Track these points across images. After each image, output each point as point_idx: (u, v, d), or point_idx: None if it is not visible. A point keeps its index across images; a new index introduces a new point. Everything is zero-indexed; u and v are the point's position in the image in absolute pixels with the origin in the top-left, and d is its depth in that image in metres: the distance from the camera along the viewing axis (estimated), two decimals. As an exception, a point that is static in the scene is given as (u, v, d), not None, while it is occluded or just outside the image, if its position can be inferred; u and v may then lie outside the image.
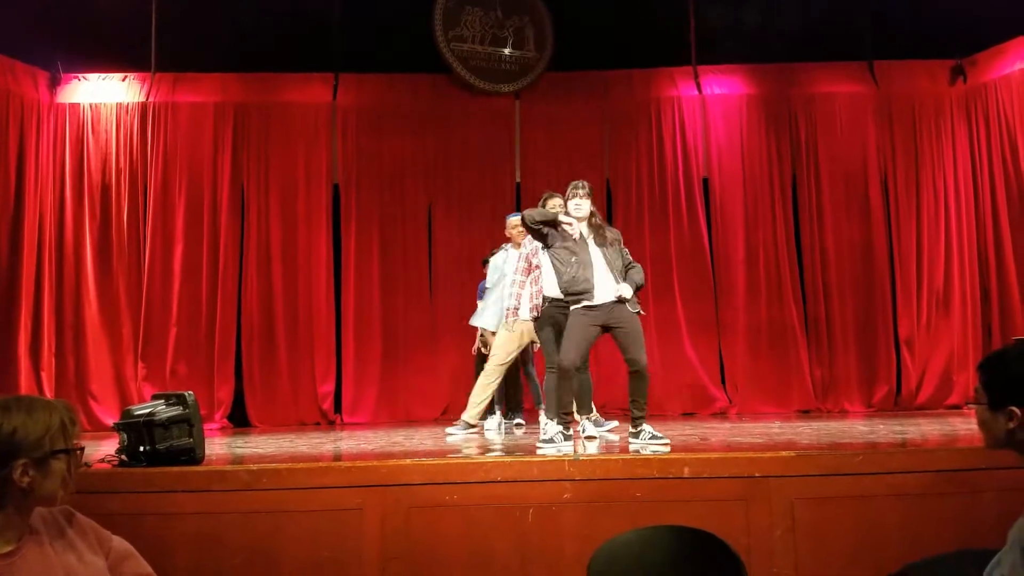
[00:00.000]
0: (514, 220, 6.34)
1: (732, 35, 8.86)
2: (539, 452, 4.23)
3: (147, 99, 8.67)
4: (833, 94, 9.02)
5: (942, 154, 8.84)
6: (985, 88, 8.66)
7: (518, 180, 9.05)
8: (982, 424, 2.03)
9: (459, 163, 8.97)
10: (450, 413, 8.63)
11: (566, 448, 4.42)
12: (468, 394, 6.42)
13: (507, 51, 9.04)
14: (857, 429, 5.69)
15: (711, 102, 9.11)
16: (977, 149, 8.74)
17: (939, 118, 8.90)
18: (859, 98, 8.99)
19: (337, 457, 4.66)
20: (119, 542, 2.08)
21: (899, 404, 8.56)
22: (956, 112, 8.87)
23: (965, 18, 8.32)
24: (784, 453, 3.74)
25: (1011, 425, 1.94)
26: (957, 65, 8.91)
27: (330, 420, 8.51)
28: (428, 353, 8.76)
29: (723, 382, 8.81)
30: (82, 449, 2.02)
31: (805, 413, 8.34)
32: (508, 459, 3.79)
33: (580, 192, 4.97)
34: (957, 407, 8.20)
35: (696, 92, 9.13)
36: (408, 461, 3.82)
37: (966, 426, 5.71)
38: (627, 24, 8.90)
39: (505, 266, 6.34)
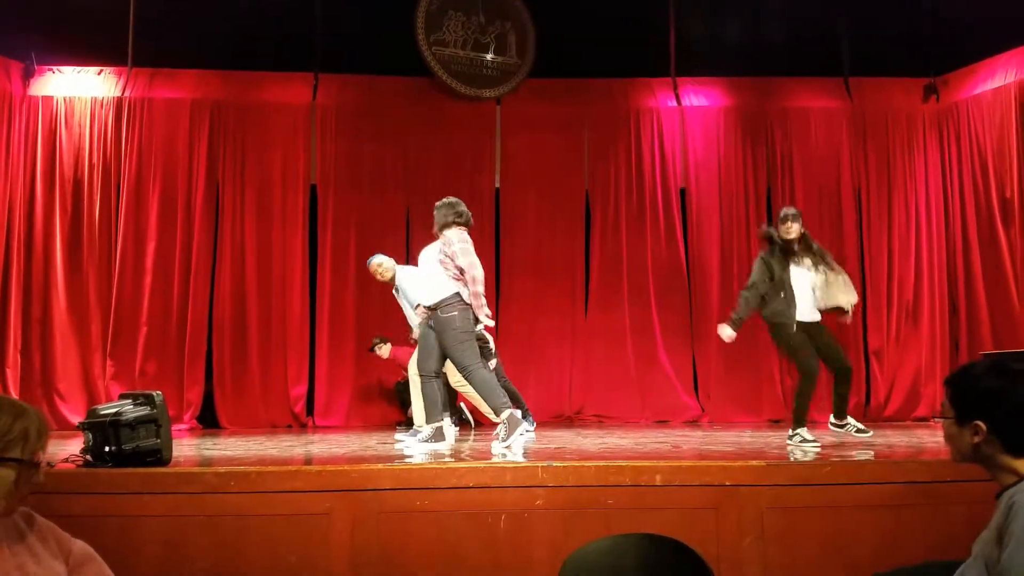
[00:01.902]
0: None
1: (711, 47, 8.96)
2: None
3: (123, 94, 8.57)
4: (809, 108, 9.13)
5: (914, 170, 8.97)
6: (957, 107, 8.80)
7: (497, 186, 9.05)
8: (949, 438, 2.05)
9: (439, 167, 8.95)
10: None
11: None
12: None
13: (489, 57, 9.04)
14: (826, 439, 5.74)
15: (689, 113, 9.17)
16: (948, 166, 8.88)
17: (912, 135, 9.03)
18: (834, 113, 9.10)
19: (307, 461, 4.62)
20: (80, 546, 2.03)
21: (868, 415, 8.64)
22: (928, 129, 9.01)
23: (939, 38, 8.49)
24: (754, 462, 3.76)
25: (977, 439, 1.96)
26: (930, 84, 9.06)
27: (302, 423, 8.44)
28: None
29: (696, 390, 8.86)
30: (38, 465, 1.92)
31: (776, 422, 8.39)
32: (481, 465, 3.77)
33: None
34: (925, 419, 8.31)
35: (675, 103, 9.19)
36: (379, 466, 3.79)
37: (933, 438, 5.78)
38: (608, 33, 8.94)
39: None
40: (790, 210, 5.57)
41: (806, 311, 5.42)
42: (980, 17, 8.07)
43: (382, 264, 6.63)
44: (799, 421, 5.52)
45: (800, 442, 5.38)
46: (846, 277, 5.57)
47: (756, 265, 5.54)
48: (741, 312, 5.49)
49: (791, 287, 5.38)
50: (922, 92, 9.11)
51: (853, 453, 4.73)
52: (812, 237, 5.66)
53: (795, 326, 5.36)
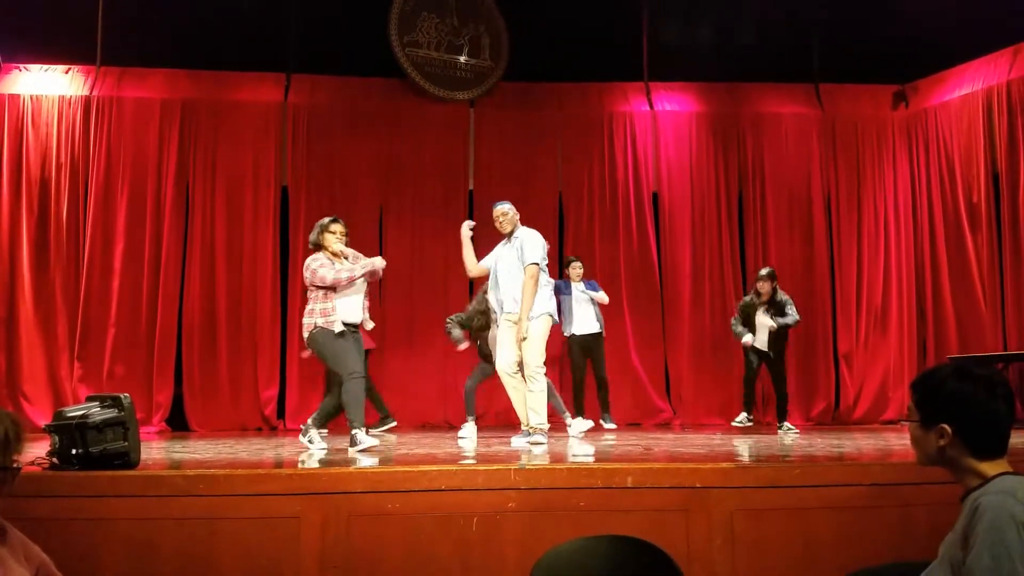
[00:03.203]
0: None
1: (684, 53, 9.02)
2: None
3: (91, 93, 8.46)
4: (780, 115, 9.22)
5: (883, 176, 9.10)
6: (926, 113, 8.94)
7: (471, 188, 9.05)
8: (915, 441, 2.07)
9: (412, 169, 8.93)
10: (397, 421, 8.56)
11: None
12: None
13: (463, 59, 9.04)
14: (796, 442, 5.80)
15: (662, 118, 9.23)
16: (917, 172, 9.01)
17: (881, 141, 9.16)
18: (805, 119, 9.20)
19: (277, 464, 4.59)
20: (45, 557, 2.03)
21: (837, 419, 8.76)
22: (898, 136, 9.15)
23: (909, 45, 8.61)
24: (724, 465, 3.78)
25: (942, 442, 1.99)
26: (900, 91, 9.20)
27: (272, 426, 8.38)
28: (376, 360, 8.65)
29: (668, 393, 8.91)
30: (17, 470, 1.88)
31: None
32: (453, 468, 3.76)
33: None
34: (893, 422, 8.42)
35: (648, 108, 9.25)
36: (350, 469, 3.77)
37: (900, 441, 5.85)
38: (582, 38, 8.99)
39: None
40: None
41: None
42: (949, 25, 8.21)
43: (507, 214, 5.70)
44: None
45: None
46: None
47: None
48: None
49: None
50: (891, 99, 9.26)
51: (820, 456, 4.78)
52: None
53: None
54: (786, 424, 7.50)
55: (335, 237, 5.46)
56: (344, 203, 8.81)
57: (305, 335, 5.45)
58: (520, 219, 5.73)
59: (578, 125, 9.19)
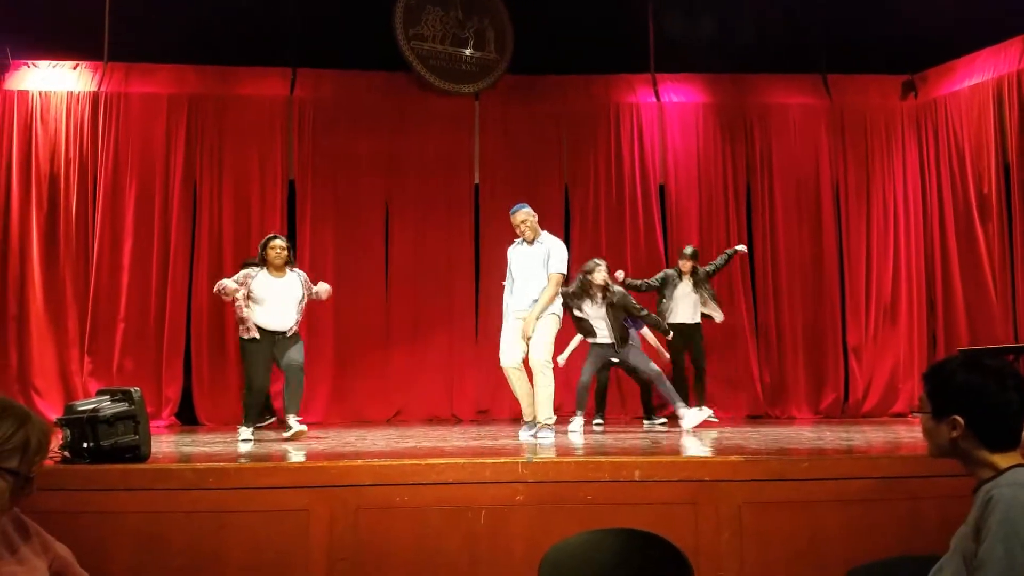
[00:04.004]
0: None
1: (690, 44, 8.97)
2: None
3: (99, 88, 8.48)
4: (787, 105, 9.17)
5: (892, 167, 9.04)
6: (935, 104, 8.88)
7: (476, 181, 9.03)
8: (926, 433, 2.06)
9: (417, 163, 8.92)
10: (404, 415, 8.59)
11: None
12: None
13: (468, 52, 9.02)
14: (804, 435, 5.79)
15: (668, 109, 9.20)
16: (926, 163, 8.96)
17: (890, 132, 9.10)
18: (813, 110, 9.15)
19: (286, 457, 4.60)
20: (63, 548, 2.02)
21: (846, 411, 8.73)
22: (907, 126, 9.08)
23: (917, 35, 8.54)
24: (732, 458, 3.78)
25: (954, 434, 1.98)
26: (909, 81, 9.13)
27: (281, 419, 8.38)
28: (381, 354, 8.69)
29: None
30: (32, 479, 1.83)
31: (754, 418, 8.45)
32: (461, 461, 3.76)
33: None
34: (902, 415, 8.39)
35: (654, 99, 9.21)
36: (359, 462, 3.78)
37: (910, 434, 5.83)
38: (587, 30, 8.95)
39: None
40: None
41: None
42: (959, 14, 8.14)
43: (527, 220, 5.75)
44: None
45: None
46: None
47: None
48: None
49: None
50: (900, 89, 9.19)
51: (829, 449, 4.77)
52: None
53: None
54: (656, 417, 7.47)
55: (275, 253, 5.86)
56: (350, 197, 8.83)
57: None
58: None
59: (584, 117, 9.17)
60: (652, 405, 7.68)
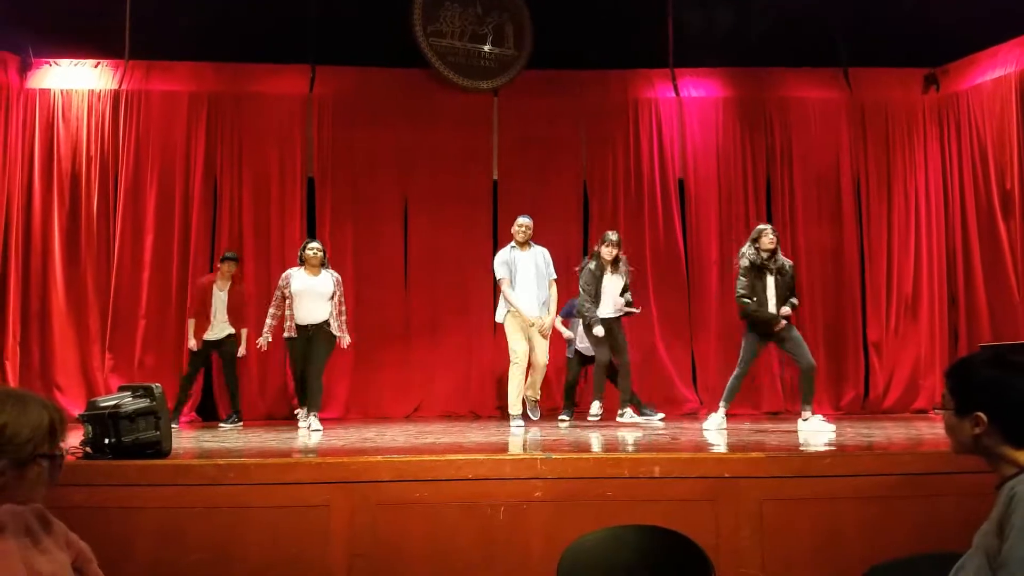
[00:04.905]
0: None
1: (709, 38, 8.90)
2: None
3: (119, 86, 8.55)
4: (807, 99, 9.10)
5: (914, 161, 8.96)
6: (957, 97, 8.78)
7: (495, 178, 9.03)
8: (949, 429, 2.05)
9: (436, 159, 8.92)
10: (422, 411, 8.61)
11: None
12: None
13: (486, 48, 9.01)
14: (825, 431, 5.74)
15: (688, 104, 9.15)
16: (948, 157, 8.86)
17: (911, 125, 9.01)
18: (833, 103, 9.08)
19: (306, 452, 4.62)
20: (84, 546, 2.06)
21: (866, 407, 8.66)
22: (928, 120, 8.99)
23: (939, 28, 8.43)
24: (753, 454, 3.76)
25: (977, 431, 1.96)
26: (930, 74, 9.03)
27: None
28: (400, 349, 8.72)
29: (695, 383, 8.86)
30: (63, 455, 1.91)
31: (774, 415, 8.40)
32: (480, 457, 3.77)
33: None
34: (923, 411, 8.32)
35: (673, 94, 9.16)
36: (378, 458, 3.79)
37: (931, 430, 5.78)
38: (606, 24, 8.91)
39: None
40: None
41: None
42: (980, 6, 8.04)
43: (529, 228, 6.74)
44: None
45: None
46: None
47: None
48: None
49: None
50: (922, 82, 9.09)
51: (850, 445, 4.73)
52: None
53: None
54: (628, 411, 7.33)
55: (311, 253, 6.70)
56: (369, 194, 8.84)
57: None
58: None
59: (603, 112, 9.13)
60: (640, 399, 7.63)
